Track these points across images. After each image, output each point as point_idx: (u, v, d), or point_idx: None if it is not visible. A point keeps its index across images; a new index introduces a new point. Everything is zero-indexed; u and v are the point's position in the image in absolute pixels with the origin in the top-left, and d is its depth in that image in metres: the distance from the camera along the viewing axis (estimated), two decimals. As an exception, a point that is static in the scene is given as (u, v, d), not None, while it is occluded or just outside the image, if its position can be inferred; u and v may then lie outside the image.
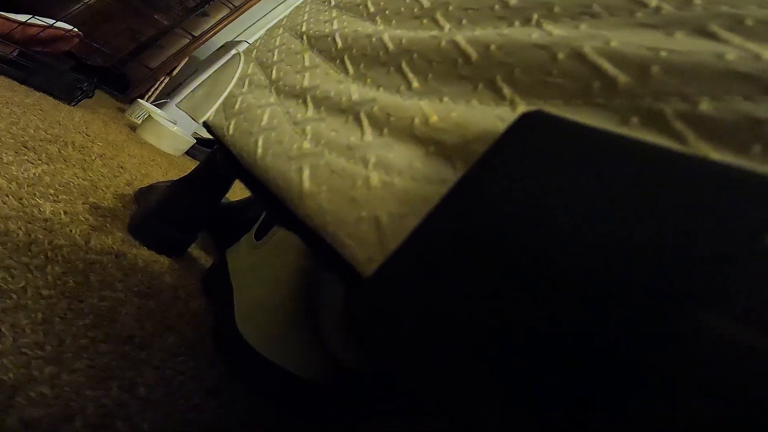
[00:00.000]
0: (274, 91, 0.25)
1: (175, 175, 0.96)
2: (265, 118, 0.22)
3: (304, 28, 0.30)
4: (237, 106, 0.25)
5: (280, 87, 0.25)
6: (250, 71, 0.30)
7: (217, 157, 0.62)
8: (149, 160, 0.98)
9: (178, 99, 1.36)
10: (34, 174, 0.55)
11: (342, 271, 0.16)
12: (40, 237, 0.43)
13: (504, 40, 0.16)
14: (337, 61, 0.23)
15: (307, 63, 0.25)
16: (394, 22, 0.22)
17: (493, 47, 0.16)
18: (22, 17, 1.07)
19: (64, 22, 1.15)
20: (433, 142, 0.15)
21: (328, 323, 0.40)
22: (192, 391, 0.35)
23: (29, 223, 0.44)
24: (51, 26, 1.08)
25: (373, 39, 0.21)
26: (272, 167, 0.19)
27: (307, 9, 0.33)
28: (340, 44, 0.24)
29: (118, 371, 0.32)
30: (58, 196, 0.53)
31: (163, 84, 1.55)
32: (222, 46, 1.55)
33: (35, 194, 0.50)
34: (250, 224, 0.58)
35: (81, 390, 0.28)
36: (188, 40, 1.53)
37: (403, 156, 0.16)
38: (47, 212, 0.48)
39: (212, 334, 0.46)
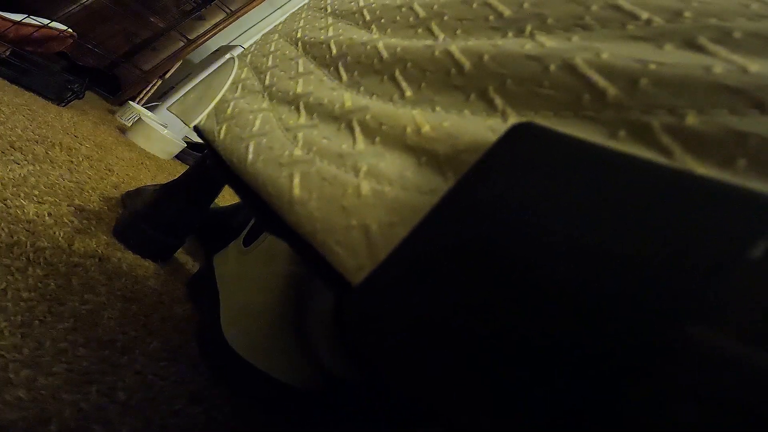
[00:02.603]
0: (267, 96, 0.25)
1: (164, 178, 0.95)
2: (257, 123, 0.22)
3: (299, 35, 0.30)
4: (229, 111, 0.25)
5: (273, 92, 0.25)
6: (243, 76, 0.30)
7: (207, 161, 0.62)
8: (138, 163, 0.97)
9: (169, 102, 1.35)
10: (20, 174, 0.54)
11: (331, 279, 0.16)
12: (23, 239, 0.42)
13: (497, 50, 0.16)
14: (331, 68, 0.23)
15: (301, 69, 0.25)
16: (389, 30, 0.22)
17: (486, 58, 0.16)
18: (16, 16, 1.06)
19: (60, 22, 1.14)
20: (424, 152, 0.15)
21: (316, 330, 0.40)
22: (174, 396, 0.34)
23: (12, 224, 0.43)
24: (45, 26, 1.07)
25: (368, 47, 0.21)
26: (262, 173, 0.18)
27: (303, 16, 0.34)
28: (334, 51, 0.24)
29: (98, 375, 0.31)
30: (42, 198, 0.52)
31: (156, 87, 1.54)
32: (216, 51, 1.55)
33: (20, 195, 0.49)
34: (238, 230, 0.58)
35: (58, 394, 0.27)
36: (183, 44, 1.53)
37: (394, 165, 0.16)
38: (31, 214, 0.47)
39: (197, 340, 0.45)
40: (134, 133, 1.13)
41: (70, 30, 1.13)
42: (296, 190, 0.17)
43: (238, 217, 0.71)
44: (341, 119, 0.19)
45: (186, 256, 0.66)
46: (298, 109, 0.21)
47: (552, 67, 0.14)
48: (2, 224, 0.42)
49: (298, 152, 0.18)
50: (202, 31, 1.56)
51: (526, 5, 0.17)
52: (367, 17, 0.24)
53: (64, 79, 1.04)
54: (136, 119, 1.20)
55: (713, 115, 0.11)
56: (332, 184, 0.16)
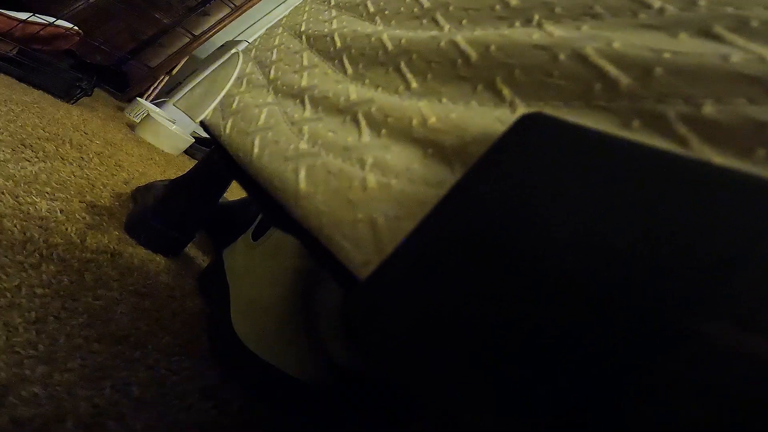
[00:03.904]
0: (272, 90, 0.24)
1: (173, 174, 0.96)
2: (263, 117, 0.22)
3: (303, 28, 0.29)
4: (234, 106, 0.25)
5: (278, 86, 0.24)
6: (248, 70, 0.30)
7: (214, 156, 0.62)
8: (147, 159, 0.98)
9: (176, 98, 1.36)
10: (31, 172, 0.54)
11: (338, 273, 0.16)
12: (36, 235, 0.42)
13: (504, 40, 0.15)
14: (336, 60, 0.22)
15: (305, 62, 0.25)
16: (393, 22, 0.21)
17: (493, 48, 0.15)
18: (22, 15, 1.06)
19: (65, 20, 1.15)
20: (431, 144, 0.15)
21: (324, 324, 0.40)
22: (186, 391, 0.34)
23: (25, 221, 0.43)
24: (51, 24, 1.08)
25: (372, 39, 0.21)
26: (268, 167, 0.18)
27: (306, 9, 0.33)
28: (338, 44, 0.23)
29: (112, 371, 0.32)
30: (54, 195, 0.53)
31: (163, 83, 1.54)
32: (222, 46, 1.55)
33: (32, 192, 0.50)
34: (247, 224, 0.58)
35: (73, 390, 0.28)
36: (188, 39, 1.53)
37: (400, 158, 0.15)
38: (43, 210, 0.48)
39: (208, 334, 0.45)
40: (143, 130, 1.14)
41: (76, 28, 1.13)
42: (302, 184, 0.16)
43: (246, 211, 0.72)
44: (346, 112, 0.18)
45: (196, 251, 0.66)
46: (303, 102, 0.21)
47: (561, 57, 0.14)
48: (15, 221, 0.42)
49: (303, 146, 0.18)
50: (207, 26, 1.56)
51: (533, -7, 0.16)
52: (371, 9, 0.24)
53: (72, 76, 1.05)
54: (144, 115, 1.21)
55: (731, 105, 0.10)
56: (338, 177, 0.16)
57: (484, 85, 0.15)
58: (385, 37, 0.20)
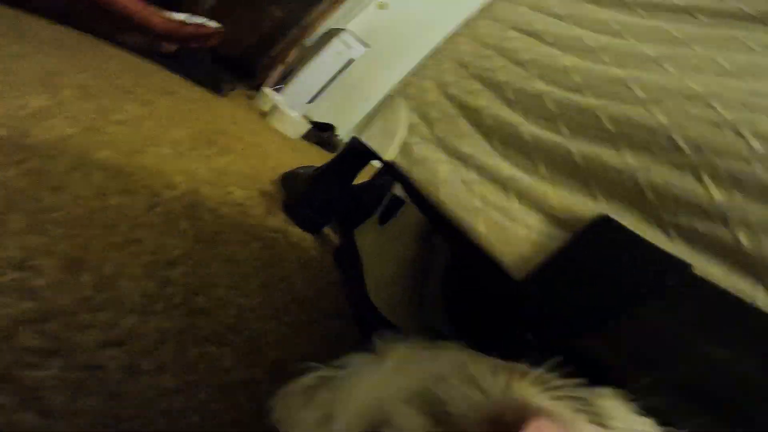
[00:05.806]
0: (441, 148, 0.37)
1: (301, 157, 1.13)
2: (441, 172, 0.35)
3: (452, 91, 0.41)
4: (414, 155, 0.38)
5: (445, 145, 0.37)
6: (413, 121, 0.42)
7: (347, 154, 0.77)
8: (280, 145, 1.17)
9: (292, 86, 1.54)
10: (222, 165, 0.73)
11: (489, 275, 0.29)
12: (239, 219, 0.60)
13: (598, 157, 0.27)
14: (486, 137, 0.35)
15: (463, 130, 0.37)
16: (530, 116, 0.33)
17: (591, 157, 0.27)
18: (179, 15, 1.26)
19: (200, 17, 1.32)
20: (551, 214, 0.27)
21: (430, 298, 0.53)
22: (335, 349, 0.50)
23: (229, 207, 0.61)
24: (203, 24, 1.27)
25: (513, 128, 0.33)
26: (454, 216, 0.31)
27: (445, 66, 0.44)
28: (487, 123, 0.36)
29: (305, 326, 0.48)
30: (241, 183, 0.71)
31: (278, 71, 1.74)
32: (325, 34, 1.72)
33: (228, 183, 0.68)
34: (369, 205, 0.72)
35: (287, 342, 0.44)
36: (300, 29, 1.69)
37: (534, 220, 0.28)
38: (239, 198, 0.66)
39: (349, 300, 0.61)
40: (273, 118, 1.32)
41: (220, 26, 1.32)
42: (481, 227, 0.30)
43: (366, 194, 0.86)
44: (499, 182, 0.31)
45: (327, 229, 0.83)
46: (466, 166, 0.34)
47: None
48: (226, 209, 0.60)
49: (477, 203, 0.31)
50: (313, 16, 1.71)
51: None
52: (510, 96, 0.36)
53: (216, 70, 1.24)
54: (271, 105, 1.39)
55: None
56: (501, 227, 0.29)
57: (582, 184, 0.27)
58: (523, 129, 0.32)
